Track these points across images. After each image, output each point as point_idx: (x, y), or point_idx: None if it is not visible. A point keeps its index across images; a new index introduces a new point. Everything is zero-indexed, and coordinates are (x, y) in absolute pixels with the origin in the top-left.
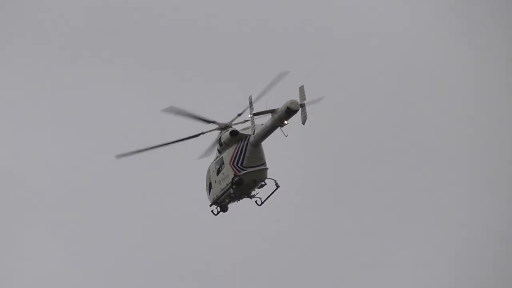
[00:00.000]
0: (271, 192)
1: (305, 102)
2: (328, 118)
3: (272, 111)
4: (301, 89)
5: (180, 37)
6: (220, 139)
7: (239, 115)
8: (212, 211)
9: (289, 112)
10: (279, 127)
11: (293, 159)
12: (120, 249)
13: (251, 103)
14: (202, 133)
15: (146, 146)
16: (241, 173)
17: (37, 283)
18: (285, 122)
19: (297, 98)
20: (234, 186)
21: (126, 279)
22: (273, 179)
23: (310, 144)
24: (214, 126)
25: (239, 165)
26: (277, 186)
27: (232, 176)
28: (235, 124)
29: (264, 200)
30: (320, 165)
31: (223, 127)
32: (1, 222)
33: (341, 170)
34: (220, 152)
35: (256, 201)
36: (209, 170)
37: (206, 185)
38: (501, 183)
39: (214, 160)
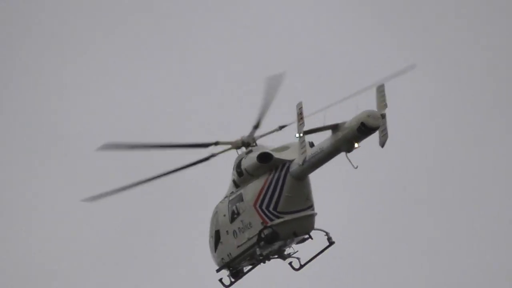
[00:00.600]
0: (319, 251)
1: (385, 111)
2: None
3: (333, 127)
4: (381, 91)
5: None
6: (239, 164)
7: (256, 127)
8: (221, 280)
9: (364, 130)
10: (345, 153)
11: (347, 200)
12: None
13: (300, 114)
14: (213, 155)
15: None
16: (274, 222)
17: None
18: (356, 145)
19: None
20: (262, 243)
21: None
22: (324, 231)
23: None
24: (227, 146)
25: (271, 209)
26: (331, 243)
27: (260, 226)
28: (263, 137)
29: (306, 263)
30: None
31: (239, 146)
32: None
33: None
34: (237, 185)
35: (291, 263)
36: (215, 214)
37: (211, 237)
38: None
39: (226, 197)
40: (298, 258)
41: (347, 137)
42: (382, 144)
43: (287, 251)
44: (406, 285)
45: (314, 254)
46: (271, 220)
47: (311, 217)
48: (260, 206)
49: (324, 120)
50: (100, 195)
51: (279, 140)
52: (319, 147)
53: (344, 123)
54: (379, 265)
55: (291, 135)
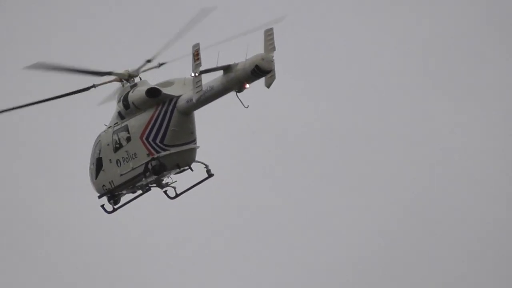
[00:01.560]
0: (197, 182)
1: (273, 54)
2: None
3: (225, 68)
4: (269, 34)
5: None
6: (125, 97)
7: (149, 61)
8: (103, 206)
9: (257, 72)
10: (235, 92)
11: (232, 137)
12: None
13: (197, 55)
14: (94, 86)
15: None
16: (160, 154)
17: None
18: (247, 85)
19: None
20: (148, 173)
21: None
22: (204, 164)
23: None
24: (111, 77)
25: (157, 141)
26: (209, 175)
27: (146, 157)
28: (143, 73)
29: (183, 192)
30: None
31: (125, 78)
32: None
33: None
34: (122, 116)
35: (166, 191)
36: (98, 143)
37: (92, 164)
38: None
39: (110, 127)
40: (174, 188)
41: (240, 78)
42: (269, 85)
43: (165, 180)
44: (270, 212)
45: (191, 185)
46: (157, 152)
47: (194, 150)
48: (147, 139)
49: (215, 61)
50: None
51: (157, 76)
52: (209, 86)
53: (236, 64)
54: (255, 196)
55: (169, 72)
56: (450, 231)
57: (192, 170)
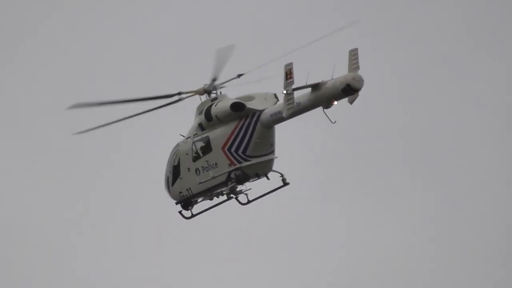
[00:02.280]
0: (271, 189)
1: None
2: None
3: (314, 86)
4: (354, 54)
5: None
6: (208, 110)
7: (239, 76)
8: (181, 212)
9: (348, 90)
10: (323, 108)
11: (306, 148)
12: None
13: (290, 73)
14: (180, 98)
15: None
16: (242, 165)
17: None
18: (335, 102)
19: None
20: (230, 182)
21: None
22: (280, 173)
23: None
24: (195, 89)
25: (239, 152)
26: (285, 183)
27: (227, 167)
28: (221, 87)
29: (255, 199)
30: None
31: (202, 93)
32: None
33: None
34: (203, 128)
35: (237, 198)
36: (177, 151)
37: (168, 172)
38: None
39: (189, 137)
40: (246, 194)
41: (329, 95)
42: (352, 101)
43: (239, 188)
44: (353, 228)
45: (265, 192)
46: (239, 162)
47: (272, 160)
48: (229, 149)
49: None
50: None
51: (236, 87)
52: (296, 102)
53: (325, 82)
54: (330, 210)
55: (247, 83)
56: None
57: (268, 178)
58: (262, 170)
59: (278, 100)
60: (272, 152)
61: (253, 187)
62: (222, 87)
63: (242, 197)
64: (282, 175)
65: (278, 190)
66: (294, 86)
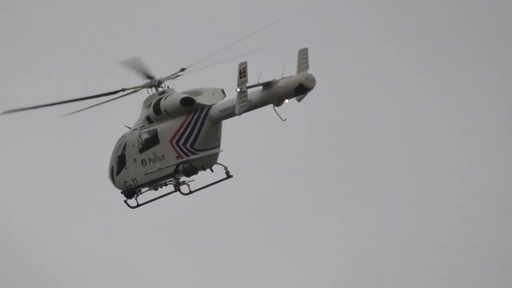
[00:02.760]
0: (214, 181)
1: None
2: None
3: (266, 84)
4: (304, 53)
5: None
6: (157, 104)
7: (183, 70)
8: (126, 201)
9: (300, 90)
10: (273, 106)
11: (250, 142)
12: None
13: (244, 72)
14: (123, 89)
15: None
16: (190, 158)
17: None
18: (286, 101)
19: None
20: (177, 174)
21: None
22: (223, 166)
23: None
24: (140, 83)
25: (187, 145)
26: (228, 176)
27: (175, 159)
28: (164, 80)
29: (197, 190)
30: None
31: (155, 84)
32: None
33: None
34: (151, 121)
35: (179, 188)
36: (122, 142)
37: (112, 162)
38: None
39: (137, 129)
40: (188, 185)
41: (280, 94)
42: (300, 100)
43: (182, 179)
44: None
45: (207, 183)
46: (187, 155)
47: (218, 154)
48: (177, 143)
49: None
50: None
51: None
52: (247, 99)
53: (277, 81)
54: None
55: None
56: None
57: (212, 171)
58: (208, 163)
59: (225, 96)
60: (218, 146)
61: (197, 178)
62: (167, 80)
63: (184, 188)
64: (225, 168)
65: (221, 182)
66: (248, 84)
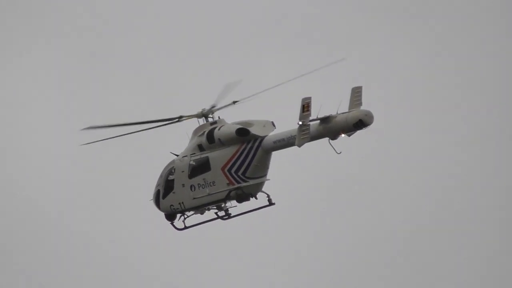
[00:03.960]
0: (255, 208)
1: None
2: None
3: (325, 119)
4: (358, 91)
5: None
6: (211, 133)
7: (235, 102)
8: (172, 223)
9: (359, 125)
10: (329, 140)
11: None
12: None
13: (308, 106)
14: (181, 117)
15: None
16: (241, 185)
17: None
18: (342, 135)
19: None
20: (228, 200)
21: None
22: (266, 193)
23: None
24: (194, 113)
25: (239, 173)
26: (270, 203)
27: (226, 186)
28: (215, 111)
29: (237, 215)
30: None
31: (200, 116)
32: None
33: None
34: (202, 149)
35: (217, 213)
36: (172, 168)
37: (159, 186)
38: None
39: (186, 156)
40: (228, 211)
41: (339, 128)
42: (350, 134)
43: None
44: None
45: (248, 209)
46: (238, 182)
47: (264, 182)
48: (229, 170)
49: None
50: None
51: (231, 113)
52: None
53: (334, 116)
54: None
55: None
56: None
57: (256, 198)
58: (255, 190)
59: (275, 128)
60: (266, 174)
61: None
62: (217, 111)
63: (222, 213)
64: (268, 196)
65: (263, 209)
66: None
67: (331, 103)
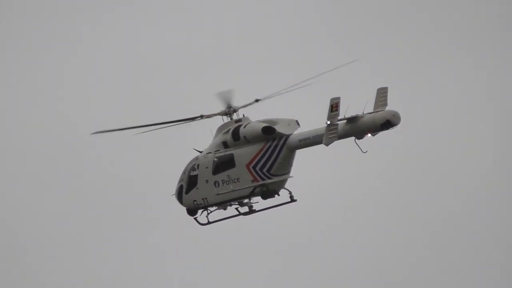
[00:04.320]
0: (276, 204)
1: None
2: None
3: (352, 119)
4: (383, 92)
5: None
6: (236, 131)
7: (257, 100)
8: (196, 218)
9: (386, 125)
10: (355, 139)
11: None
12: None
13: (336, 106)
14: (202, 116)
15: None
16: (266, 182)
17: None
18: (369, 135)
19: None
20: (252, 197)
21: None
22: (288, 190)
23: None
24: (217, 110)
25: (264, 170)
26: (292, 200)
27: (250, 183)
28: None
29: (258, 211)
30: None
31: (230, 113)
32: None
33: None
34: (227, 146)
35: (237, 208)
36: (196, 164)
37: (181, 181)
38: None
39: (210, 152)
40: (251, 206)
41: (365, 128)
42: (375, 134)
43: (245, 200)
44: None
45: (269, 205)
46: (263, 179)
47: (287, 179)
48: (254, 167)
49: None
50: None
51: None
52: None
53: (361, 116)
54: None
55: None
56: None
57: (279, 195)
58: (279, 187)
59: (299, 126)
60: (289, 172)
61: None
62: (240, 109)
63: (244, 209)
64: (290, 192)
65: (285, 205)
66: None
67: (355, 103)
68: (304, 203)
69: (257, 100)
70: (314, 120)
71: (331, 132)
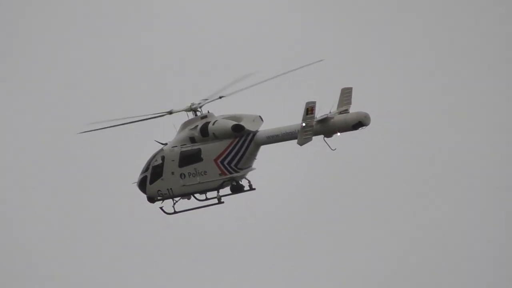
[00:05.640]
0: (235, 192)
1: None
2: None
3: (322, 120)
4: (348, 92)
5: None
6: (204, 127)
7: (221, 97)
8: (162, 208)
9: (357, 126)
10: (323, 137)
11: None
12: None
13: (312, 110)
14: (171, 112)
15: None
16: (233, 175)
17: None
18: (338, 134)
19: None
20: (220, 189)
21: None
22: (248, 179)
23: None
24: (183, 106)
25: (232, 165)
26: (251, 188)
27: (218, 176)
28: (203, 105)
29: (221, 197)
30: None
31: (189, 110)
32: None
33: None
34: (194, 141)
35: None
36: (161, 157)
37: (145, 172)
38: None
39: (176, 146)
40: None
41: (336, 128)
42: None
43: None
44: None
45: (227, 194)
46: (230, 173)
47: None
48: (222, 162)
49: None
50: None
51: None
52: (297, 129)
53: (332, 117)
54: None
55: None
56: None
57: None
58: (241, 178)
59: (263, 122)
60: (252, 164)
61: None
62: (202, 105)
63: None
64: (249, 182)
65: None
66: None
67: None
68: (263, 192)
69: (220, 97)
70: (278, 116)
71: (306, 133)
